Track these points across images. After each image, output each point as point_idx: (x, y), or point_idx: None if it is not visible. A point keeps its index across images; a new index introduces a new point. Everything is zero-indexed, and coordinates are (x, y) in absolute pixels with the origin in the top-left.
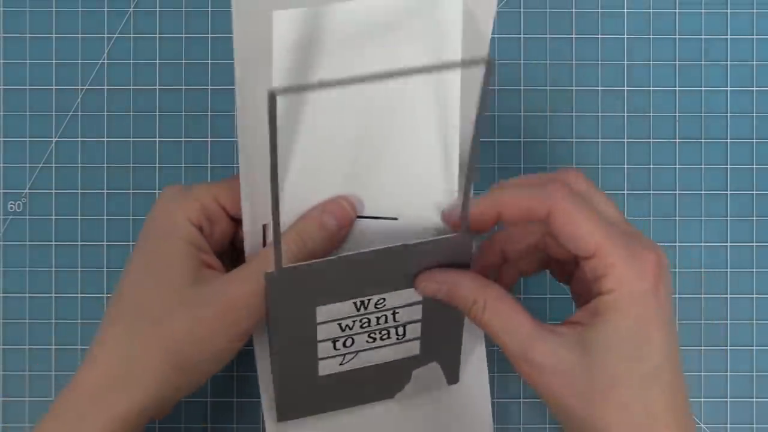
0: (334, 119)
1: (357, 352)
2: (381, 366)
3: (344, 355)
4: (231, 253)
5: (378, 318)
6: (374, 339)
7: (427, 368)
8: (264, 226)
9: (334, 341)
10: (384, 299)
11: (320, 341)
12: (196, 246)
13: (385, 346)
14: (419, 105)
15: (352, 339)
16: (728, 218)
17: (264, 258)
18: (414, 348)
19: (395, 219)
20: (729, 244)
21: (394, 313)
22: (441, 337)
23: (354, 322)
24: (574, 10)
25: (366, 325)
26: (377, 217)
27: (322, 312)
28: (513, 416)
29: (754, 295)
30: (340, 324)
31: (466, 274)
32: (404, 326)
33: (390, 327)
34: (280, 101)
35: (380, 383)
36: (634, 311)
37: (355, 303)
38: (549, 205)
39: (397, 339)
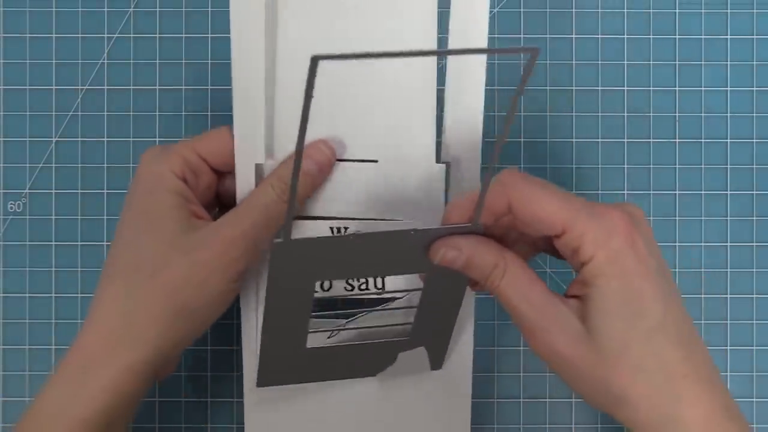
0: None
1: (345, 328)
2: (368, 345)
3: (332, 330)
4: (216, 206)
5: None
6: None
7: (413, 352)
8: (256, 166)
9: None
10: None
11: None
12: (183, 197)
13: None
14: (405, 62)
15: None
16: (728, 218)
17: (255, 199)
18: (403, 332)
19: (375, 161)
20: (729, 244)
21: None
22: (435, 323)
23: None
24: (574, 10)
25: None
26: (358, 159)
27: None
28: (513, 416)
29: (754, 295)
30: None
31: (484, 239)
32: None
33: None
34: (272, 50)
35: (365, 361)
36: (618, 270)
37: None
38: (507, 196)
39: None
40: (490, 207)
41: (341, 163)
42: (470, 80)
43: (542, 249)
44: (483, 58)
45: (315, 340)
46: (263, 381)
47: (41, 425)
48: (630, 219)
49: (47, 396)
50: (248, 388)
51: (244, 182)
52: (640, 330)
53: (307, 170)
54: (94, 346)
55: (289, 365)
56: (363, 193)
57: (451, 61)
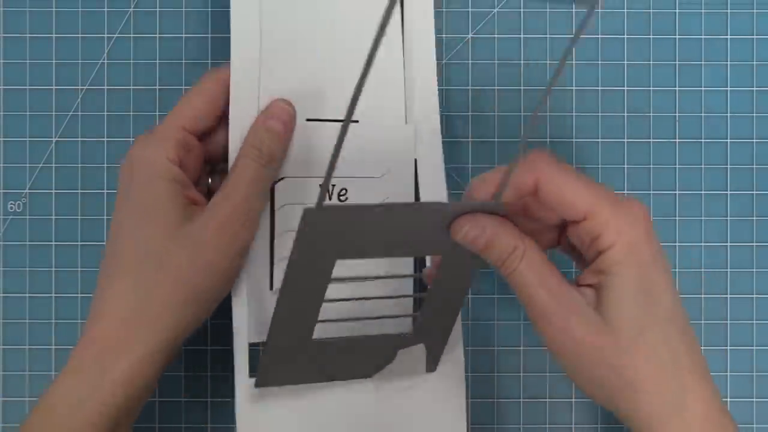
0: (308, 32)
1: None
2: (370, 339)
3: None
4: (206, 174)
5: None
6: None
7: (412, 349)
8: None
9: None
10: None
11: (326, 301)
12: (179, 183)
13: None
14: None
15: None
16: (728, 218)
17: (238, 174)
18: (404, 324)
19: (356, 122)
20: (729, 244)
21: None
22: (439, 318)
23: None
24: (573, 10)
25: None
26: (341, 120)
27: (339, 267)
28: (513, 416)
29: (754, 295)
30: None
31: (504, 220)
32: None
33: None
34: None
35: (365, 359)
36: (636, 260)
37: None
38: (535, 176)
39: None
40: (517, 185)
41: (326, 123)
42: (422, 52)
43: (548, 241)
44: (431, 33)
45: (322, 331)
46: (263, 381)
47: (56, 420)
48: (647, 213)
49: (60, 389)
50: (241, 387)
51: (236, 132)
52: (654, 319)
53: (273, 128)
54: (108, 339)
55: (291, 363)
56: (347, 152)
57: (406, 42)
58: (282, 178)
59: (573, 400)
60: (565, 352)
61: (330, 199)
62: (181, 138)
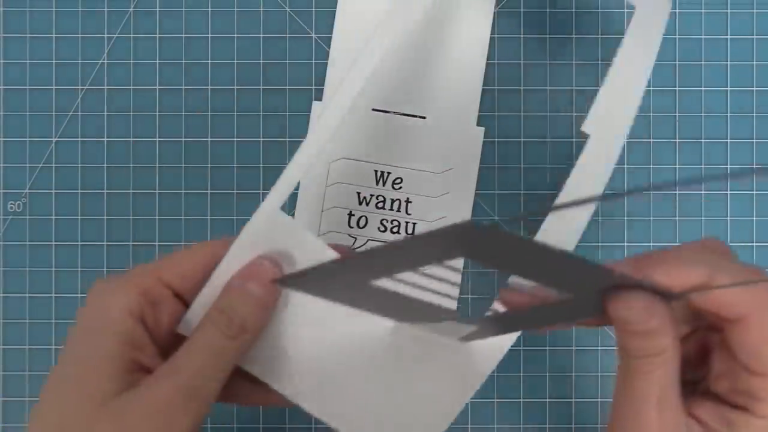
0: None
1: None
2: (425, 306)
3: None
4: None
5: None
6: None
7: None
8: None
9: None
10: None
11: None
12: (130, 344)
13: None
14: (455, 36)
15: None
16: (728, 218)
17: (194, 342)
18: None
19: (424, 118)
20: (729, 244)
21: None
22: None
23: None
24: (574, 10)
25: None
26: (409, 114)
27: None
28: (513, 416)
29: None
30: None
31: (669, 309)
32: None
33: None
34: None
35: (407, 314)
36: None
37: None
38: (746, 312)
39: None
40: (717, 307)
41: (393, 115)
42: (634, 73)
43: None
44: (651, 61)
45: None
46: (290, 282)
47: None
48: None
49: None
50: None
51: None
52: None
53: (251, 292)
54: None
55: (329, 283)
56: (409, 145)
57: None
58: (339, 159)
59: (573, 400)
60: None
61: (384, 185)
62: (152, 289)
